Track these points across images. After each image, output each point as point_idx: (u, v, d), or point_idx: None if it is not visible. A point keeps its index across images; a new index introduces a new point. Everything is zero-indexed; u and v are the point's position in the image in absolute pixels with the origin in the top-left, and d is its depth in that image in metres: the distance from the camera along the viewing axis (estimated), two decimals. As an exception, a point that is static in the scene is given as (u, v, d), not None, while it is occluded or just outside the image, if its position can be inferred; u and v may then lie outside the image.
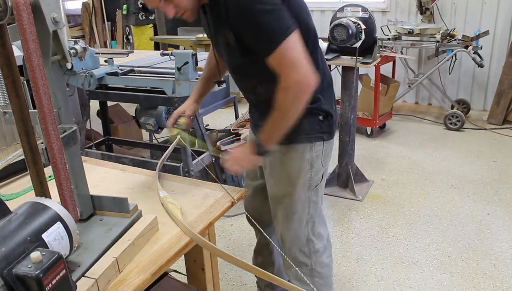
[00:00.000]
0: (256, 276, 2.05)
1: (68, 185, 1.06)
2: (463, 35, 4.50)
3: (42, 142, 1.01)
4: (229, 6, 1.32)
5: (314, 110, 1.55)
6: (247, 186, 1.92)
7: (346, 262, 2.62)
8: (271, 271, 2.01)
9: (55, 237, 0.94)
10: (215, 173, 3.31)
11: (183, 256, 1.38)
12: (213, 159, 3.20)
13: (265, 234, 1.74)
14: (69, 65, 1.11)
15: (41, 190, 1.03)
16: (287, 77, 1.33)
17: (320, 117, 1.58)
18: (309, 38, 1.46)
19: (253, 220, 1.70)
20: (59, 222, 0.96)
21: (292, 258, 1.74)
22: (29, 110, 1.00)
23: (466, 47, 4.39)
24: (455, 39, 4.54)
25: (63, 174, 1.04)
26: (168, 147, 1.78)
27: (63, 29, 1.04)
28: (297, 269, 1.73)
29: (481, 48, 4.41)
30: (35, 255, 0.83)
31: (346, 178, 3.44)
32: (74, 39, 1.17)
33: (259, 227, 1.66)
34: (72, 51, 1.14)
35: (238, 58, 1.47)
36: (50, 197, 1.02)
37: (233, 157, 1.51)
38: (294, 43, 1.31)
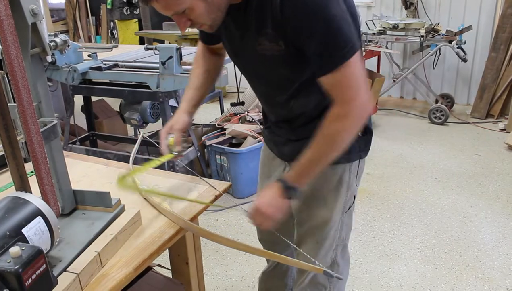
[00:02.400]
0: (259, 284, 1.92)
1: (49, 179, 1.05)
2: (447, 30, 4.54)
3: (22, 137, 1.00)
4: (286, 6, 1.09)
5: None
6: None
7: (331, 255, 2.64)
8: None
9: (35, 231, 0.93)
10: (200, 167, 3.31)
11: (167, 250, 1.38)
12: (199, 154, 3.20)
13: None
14: (49, 58, 1.10)
15: (22, 184, 1.01)
16: (348, 102, 1.13)
17: (360, 134, 1.37)
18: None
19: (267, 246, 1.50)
20: (39, 217, 0.95)
21: (311, 277, 1.56)
22: (9, 104, 0.98)
23: (450, 42, 4.43)
24: (439, 34, 4.57)
25: (43, 168, 1.03)
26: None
27: (42, 22, 1.02)
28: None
29: (465, 43, 4.45)
30: (15, 250, 0.82)
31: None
32: (55, 32, 1.15)
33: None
34: (52, 44, 1.12)
35: (278, 70, 1.26)
36: (30, 192, 1.01)
37: (260, 211, 1.26)
38: (358, 60, 1.12)
